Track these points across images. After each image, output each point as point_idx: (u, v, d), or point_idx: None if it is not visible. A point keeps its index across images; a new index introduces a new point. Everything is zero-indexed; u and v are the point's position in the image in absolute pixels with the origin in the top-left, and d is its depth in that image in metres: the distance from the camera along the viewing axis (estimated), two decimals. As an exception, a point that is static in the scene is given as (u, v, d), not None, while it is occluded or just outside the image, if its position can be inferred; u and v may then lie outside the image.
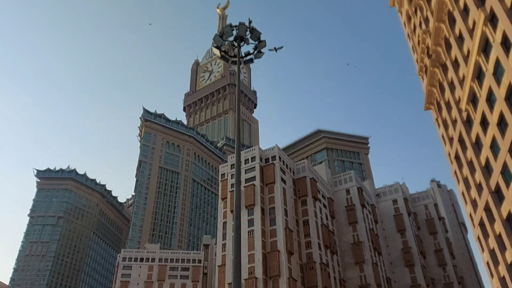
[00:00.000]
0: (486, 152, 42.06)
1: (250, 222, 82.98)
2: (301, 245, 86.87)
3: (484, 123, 41.31)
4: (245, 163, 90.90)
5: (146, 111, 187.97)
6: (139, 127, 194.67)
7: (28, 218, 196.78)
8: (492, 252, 46.98)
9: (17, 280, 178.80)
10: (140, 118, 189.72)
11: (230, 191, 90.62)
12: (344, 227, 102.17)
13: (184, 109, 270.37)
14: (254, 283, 75.49)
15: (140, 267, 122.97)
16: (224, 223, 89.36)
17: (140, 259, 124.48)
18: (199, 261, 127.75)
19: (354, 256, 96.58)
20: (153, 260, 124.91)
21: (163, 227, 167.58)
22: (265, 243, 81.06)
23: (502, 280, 44.93)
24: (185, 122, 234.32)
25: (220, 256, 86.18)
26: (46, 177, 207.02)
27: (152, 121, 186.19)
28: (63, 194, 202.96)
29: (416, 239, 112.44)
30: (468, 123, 45.90)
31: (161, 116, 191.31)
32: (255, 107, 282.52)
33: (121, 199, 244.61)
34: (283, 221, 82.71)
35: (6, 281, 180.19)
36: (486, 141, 41.44)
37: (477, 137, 43.76)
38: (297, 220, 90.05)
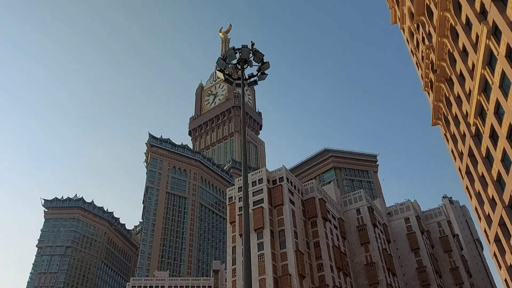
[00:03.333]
0: (497, 166, 41.29)
1: (260, 246, 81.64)
2: (312, 267, 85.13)
3: (494, 136, 40.65)
4: (252, 186, 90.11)
5: (151, 136, 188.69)
6: (145, 152, 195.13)
7: (36, 248, 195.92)
8: (510, 269, 45.74)
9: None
10: (146, 143, 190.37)
11: (238, 215, 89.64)
12: (356, 247, 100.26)
13: (190, 133, 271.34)
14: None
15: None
16: (233, 248, 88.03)
17: (149, 287, 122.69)
18: (209, 287, 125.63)
19: (368, 278, 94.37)
20: (162, 287, 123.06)
21: (172, 254, 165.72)
22: (276, 266, 79.51)
23: None
24: (190, 146, 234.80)
25: (231, 281, 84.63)
26: (54, 207, 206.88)
27: (158, 146, 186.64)
28: (70, 223, 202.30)
29: (431, 257, 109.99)
30: (477, 137, 45.25)
31: (167, 141, 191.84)
32: (260, 129, 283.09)
33: (129, 226, 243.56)
34: (293, 244, 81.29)
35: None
36: (496, 155, 40.72)
37: (487, 151, 43.06)
38: (308, 242, 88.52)
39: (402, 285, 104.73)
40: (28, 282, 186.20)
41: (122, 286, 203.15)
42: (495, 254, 49.02)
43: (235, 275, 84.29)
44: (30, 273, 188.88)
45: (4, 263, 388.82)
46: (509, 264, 45.18)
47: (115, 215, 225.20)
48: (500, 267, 48.43)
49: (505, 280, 47.41)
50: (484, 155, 44.03)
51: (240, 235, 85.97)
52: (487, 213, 48.17)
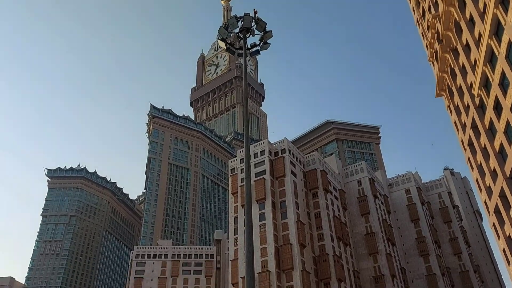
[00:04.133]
0: (500, 137, 41.22)
1: (262, 216, 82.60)
2: (313, 237, 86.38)
3: (498, 108, 40.34)
4: (254, 157, 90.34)
5: (153, 107, 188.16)
6: (146, 123, 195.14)
7: (41, 217, 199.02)
8: (508, 239, 46.43)
9: (32, 279, 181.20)
10: (148, 114, 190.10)
11: (240, 186, 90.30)
12: (356, 218, 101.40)
13: (191, 104, 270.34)
14: (267, 276, 75.24)
15: (154, 263, 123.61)
16: (236, 218, 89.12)
17: (153, 255, 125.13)
18: (212, 256, 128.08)
19: (367, 247, 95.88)
20: (166, 256, 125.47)
21: (175, 223, 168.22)
22: (277, 236, 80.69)
23: None
24: (192, 117, 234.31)
25: (233, 250, 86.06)
26: (57, 176, 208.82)
27: (159, 117, 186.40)
28: (74, 193, 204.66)
29: (430, 228, 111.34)
30: (481, 108, 44.94)
31: (169, 112, 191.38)
32: (262, 100, 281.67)
33: (132, 196, 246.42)
34: (294, 214, 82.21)
35: (22, 280, 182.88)
36: (500, 127, 40.55)
37: (491, 123, 42.85)
38: (309, 213, 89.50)
39: (401, 255, 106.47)
40: (34, 249, 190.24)
41: (126, 254, 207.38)
42: (494, 225, 49.66)
43: (237, 244, 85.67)
44: (36, 241, 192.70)
45: (9, 231, 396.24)
46: (507, 234, 45.81)
47: (118, 185, 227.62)
48: (498, 237, 49.10)
49: (503, 250, 48.16)
50: (487, 126, 43.84)
51: (242, 206, 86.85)
52: (488, 185, 48.53)
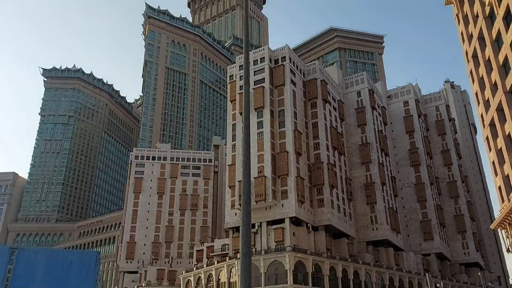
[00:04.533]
0: (505, 50, 40.61)
1: (260, 124, 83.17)
2: (309, 146, 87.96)
3: (507, 18, 39.04)
4: (253, 64, 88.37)
5: (148, 7, 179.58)
6: (142, 24, 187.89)
7: (39, 117, 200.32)
8: (499, 152, 48.11)
9: (35, 175, 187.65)
10: (143, 14, 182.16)
11: (239, 93, 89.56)
12: (353, 129, 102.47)
13: (189, 5, 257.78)
14: (263, 181, 77.97)
15: (153, 165, 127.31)
16: (234, 125, 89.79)
17: (152, 157, 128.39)
18: (210, 160, 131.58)
19: (361, 157, 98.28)
20: (165, 158, 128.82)
21: (173, 128, 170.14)
22: (274, 144, 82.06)
23: (506, 178, 46.89)
24: (190, 19, 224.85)
25: (230, 156, 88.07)
26: (53, 76, 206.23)
27: (156, 18, 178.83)
28: (71, 94, 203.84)
29: (424, 140, 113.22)
30: (490, 18, 43.78)
31: (165, 12, 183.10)
32: (264, 3, 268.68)
33: (130, 99, 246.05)
34: (292, 123, 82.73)
35: (25, 176, 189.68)
36: (507, 39, 39.76)
37: (498, 34, 42.13)
38: (306, 123, 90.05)
39: (393, 165, 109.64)
40: (34, 147, 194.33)
41: (126, 155, 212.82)
42: (487, 138, 51.20)
43: (234, 150, 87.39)
44: (36, 139, 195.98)
45: (9, 131, 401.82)
46: (499, 147, 47.36)
47: (115, 87, 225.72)
48: (490, 150, 50.86)
49: (493, 162, 49.92)
50: (494, 38, 43.12)
51: (241, 113, 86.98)
52: (486, 98, 49.19)
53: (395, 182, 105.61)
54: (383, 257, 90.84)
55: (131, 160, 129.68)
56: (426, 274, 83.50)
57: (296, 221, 77.36)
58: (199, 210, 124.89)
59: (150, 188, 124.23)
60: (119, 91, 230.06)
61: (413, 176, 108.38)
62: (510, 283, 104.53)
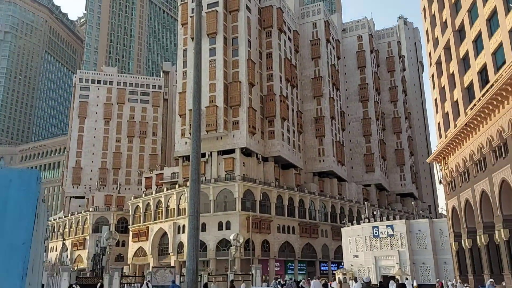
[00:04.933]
0: (458, -13, 41.43)
1: (212, 52, 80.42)
2: (262, 77, 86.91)
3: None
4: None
5: None
6: None
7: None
8: (442, 90, 50.32)
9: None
10: None
11: (190, 17, 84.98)
12: (307, 61, 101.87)
13: None
14: (214, 110, 77.06)
15: (98, 89, 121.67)
16: (185, 51, 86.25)
17: (97, 81, 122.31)
18: (159, 87, 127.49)
19: (313, 90, 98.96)
20: (111, 83, 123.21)
21: (120, 50, 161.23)
22: (227, 73, 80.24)
23: (445, 115, 49.55)
24: None
25: (181, 83, 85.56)
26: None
27: None
28: (6, 7, 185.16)
29: (374, 76, 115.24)
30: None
31: None
32: None
33: (72, 16, 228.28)
34: (246, 53, 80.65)
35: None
36: (459, -24, 40.28)
37: (453, -29, 42.30)
38: (260, 52, 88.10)
39: (343, 99, 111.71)
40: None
41: (69, 78, 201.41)
42: (432, 76, 53.18)
43: (185, 77, 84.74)
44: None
45: None
46: (442, 85, 49.51)
47: (56, 3, 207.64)
48: (434, 87, 53.05)
49: (435, 100, 52.33)
50: None
51: (192, 38, 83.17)
52: (436, 36, 50.66)
53: (343, 116, 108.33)
54: (327, 187, 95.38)
55: (75, 83, 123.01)
56: (365, 202, 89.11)
57: (246, 152, 78.33)
58: (148, 138, 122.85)
59: (96, 113, 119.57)
60: (59, 7, 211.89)
61: (361, 111, 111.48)
62: (439, 211, 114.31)
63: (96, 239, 60.37)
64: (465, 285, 36.64)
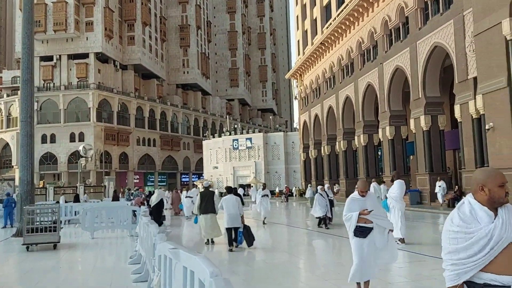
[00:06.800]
0: None
1: None
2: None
3: None
4: None
5: None
6: None
7: None
8: (303, 7, 51.30)
9: None
10: None
11: None
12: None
13: None
14: (63, 7, 67.50)
15: None
16: None
17: None
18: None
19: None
20: None
21: None
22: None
23: (305, 33, 51.30)
24: None
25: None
26: None
27: None
28: None
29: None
30: None
31: None
32: None
33: None
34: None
35: None
36: None
37: None
38: None
39: (210, 9, 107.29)
40: None
41: None
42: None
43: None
44: None
45: None
46: (304, 2, 51.20)
47: None
48: (296, 4, 55.10)
49: (297, 16, 53.85)
50: None
51: None
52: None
53: (210, 27, 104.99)
54: (191, 100, 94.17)
55: None
56: (228, 116, 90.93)
57: (102, 58, 71.54)
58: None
59: None
60: None
61: (228, 23, 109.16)
62: (294, 126, 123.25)
63: None
64: (335, 185, 40.33)
